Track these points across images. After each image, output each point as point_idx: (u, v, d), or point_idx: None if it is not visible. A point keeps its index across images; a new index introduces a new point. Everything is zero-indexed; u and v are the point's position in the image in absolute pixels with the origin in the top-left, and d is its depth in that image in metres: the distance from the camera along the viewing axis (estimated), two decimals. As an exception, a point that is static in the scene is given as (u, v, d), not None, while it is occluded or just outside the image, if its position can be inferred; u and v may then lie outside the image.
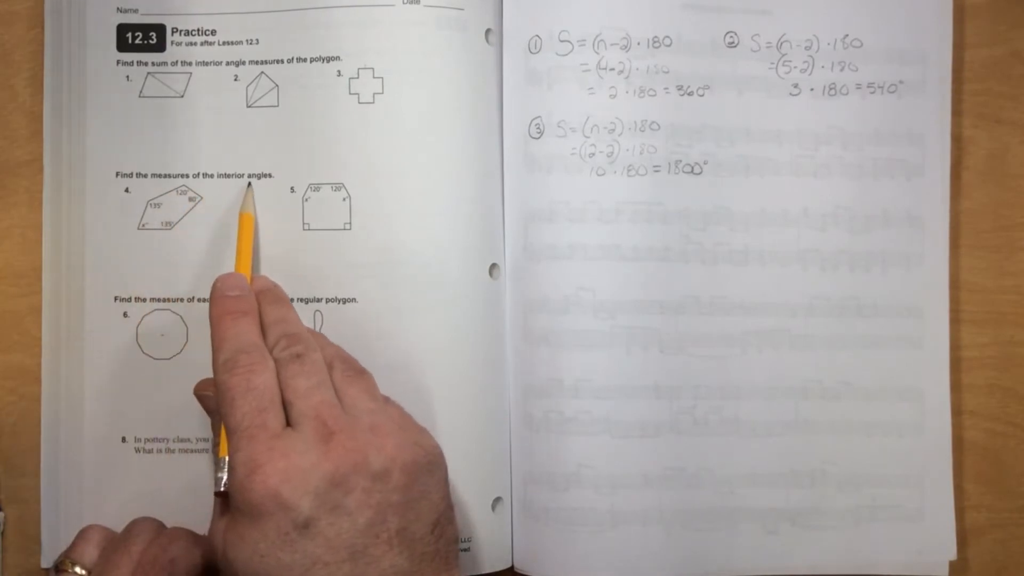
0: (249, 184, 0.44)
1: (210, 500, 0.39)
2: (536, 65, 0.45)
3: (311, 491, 0.35)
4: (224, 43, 0.45)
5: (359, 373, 0.40)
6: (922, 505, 0.45)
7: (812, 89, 0.46)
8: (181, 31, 0.45)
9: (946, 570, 0.45)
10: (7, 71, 0.46)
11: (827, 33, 0.46)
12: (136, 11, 0.45)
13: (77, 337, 0.44)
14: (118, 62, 0.45)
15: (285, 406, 0.37)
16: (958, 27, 0.46)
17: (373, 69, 0.44)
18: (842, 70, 0.46)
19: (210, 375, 0.39)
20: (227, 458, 0.37)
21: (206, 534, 0.39)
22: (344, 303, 0.44)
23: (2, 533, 0.46)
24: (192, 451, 0.44)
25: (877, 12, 0.45)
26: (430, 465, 0.38)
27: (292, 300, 0.44)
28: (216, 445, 0.39)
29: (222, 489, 0.37)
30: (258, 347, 0.39)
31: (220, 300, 0.40)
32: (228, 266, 0.44)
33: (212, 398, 0.40)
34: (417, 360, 0.44)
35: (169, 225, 0.44)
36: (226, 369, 0.38)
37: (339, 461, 0.35)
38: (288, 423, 0.37)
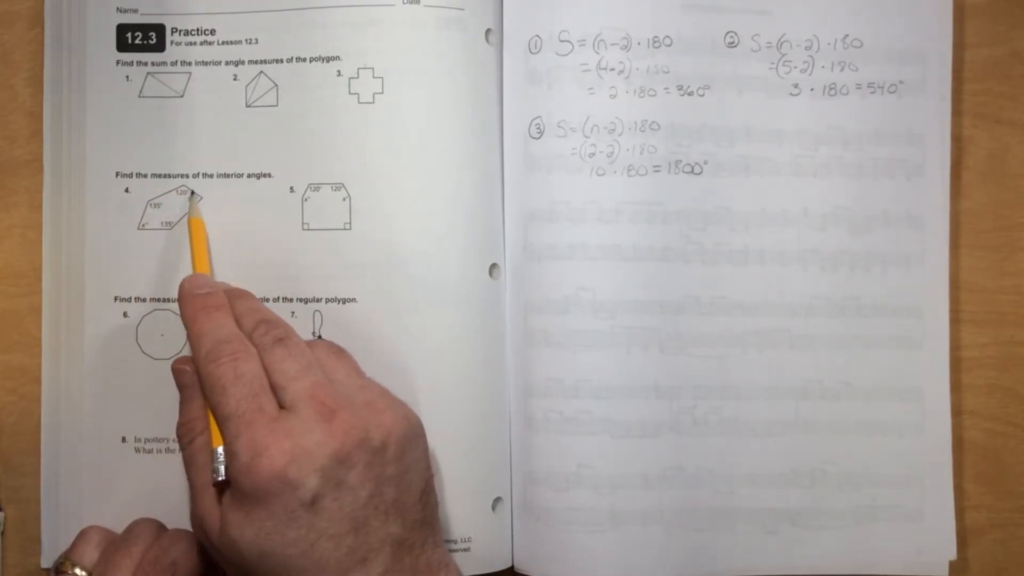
0: (192, 192, 0.44)
1: None
2: (536, 65, 0.45)
3: (317, 469, 0.36)
4: (223, 43, 0.45)
5: (341, 351, 0.41)
6: (922, 505, 0.45)
7: (812, 89, 0.45)
8: (181, 31, 0.45)
9: (946, 570, 0.45)
10: (7, 71, 0.46)
11: (827, 33, 0.46)
12: (136, 11, 0.45)
13: (77, 337, 0.44)
14: (118, 62, 0.45)
15: (275, 389, 0.38)
16: (958, 27, 0.46)
17: (373, 69, 0.44)
18: (842, 70, 0.46)
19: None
20: (220, 448, 0.37)
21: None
22: (344, 303, 0.44)
23: (2, 533, 0.46)
24: (192, 451, 0.44)
25: (877, 12, 0.45)
26: (416, 437, 0.39)
27: (292, 300, 0.44)
28: (183, 424, 0.40)
29: (222, 478, 0.37)
30: (238, 336, 0.39)
31: (191, 299, 0.41)
32: (230, 266, 0.44)
33: (189, 373, 0.40)
34: (417, 360, 0.44)
35: (169, 225, 0.44)
36: (210, 359, 0.38)
37: (343, 439, 0.36)
38: (281, 406, 0.37)
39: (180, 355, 0.44)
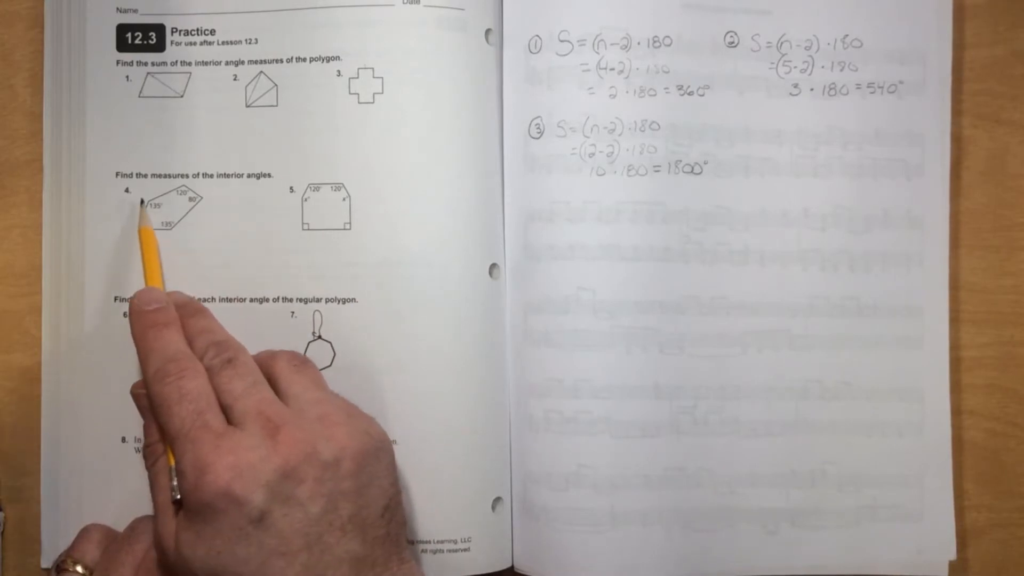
0: (142, 201, 0.44)
1: None
2: (536, 65, 0.45)
3: (263, 485, 0.35)
4: (223, 43, 0.45)
5: (304, 362, 0.41)
6: (922, 505, 0.45)
7: (812, 89, 0.45)
8: (180, 31, 0.45)
9: (946, 570, 0.45)
10: (7, 71, 0.46)
11: (827, 33, 0.45)
12: (136, 11, 0.45)
13: (77, 337, 0.44)
14: (118, 62, 0.45)
15: (224, 410, 0.38)
16: (958, 27, 0.46)
17: (373, 69, 0.44)
18: (842, 70, 0.46)
19: None
20: (174, 467, 0.37)
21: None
22: (344, 303, 0.44)
23: (2, 533, 0.46)
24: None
25: (877, 12, 0.45)
26: (378, 452, 0.39)
27: (292, 300, 0.44)
28: (146, 447, 0.40)
29: (178, 497, 0.37)
30: (186, 354, 0.39)
31: (140, 315, 0.41)
32: (229, 266, 0.44)
33: (145, 396, 0.40)
34: (417, 360, 0.44)
35: (169, 225, 0.44)
36: (157, 379, 0.38)
37: (288, 453, 0.36)
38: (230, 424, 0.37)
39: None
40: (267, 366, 0.40)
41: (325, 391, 0.40)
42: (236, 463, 0.35)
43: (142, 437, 0.44)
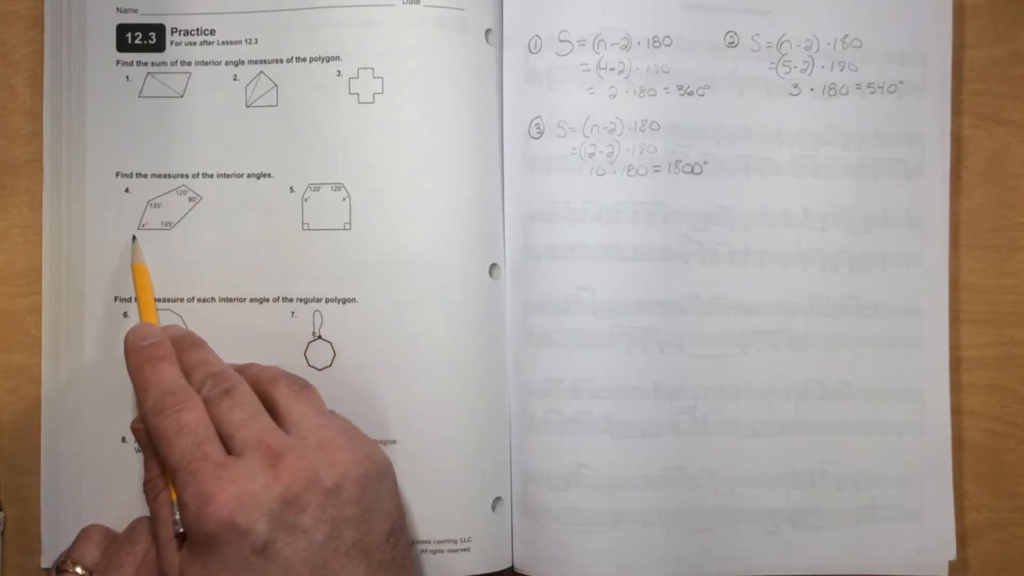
0: (134, 238, 0.44)
1: None
2: (536, 65, 0.45)
3: (265, 513, 0.35)
4: (223, 43, 0.45)
5: (304, 387, 0.41)
6: (922, 505, 0.45)
7: (812, 89, 0.45)
8: (180, 31, 0.45)
9: (945, 570, 0.45)
10: (7, 71, 0.46)
11: (827, 33, 0.46)
12: (136, 11, 0.45)
13: (77, 337, 0.44)
14: (118, 62, 0.45)
15: (224, 440, 0.38)
16: (958, 27, 0.46)
17: (373, 69, 0.44)
18: (842, 70, 0.46)
19: None
20: (176, 500, 0.37)
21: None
22: (344, 303, 0.44)
23: (2, 533, 0.46)
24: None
25: (877, 12, 0.45)
26: (380, 476, 0.38)
27: (292, 300, 0.44)
28: (147, 482, 0.40)
29: (181, 530, 0.37)
30: (183, 387, 0.39)
31: (135, 351, 0.40)
32: (229, 266, 0.44)
33: (145, 431, 0.40)
34: (417, 360, 0.44)
35: (169, 225, 0.44)
36: (155, 413, 0.38)
37: (290, 481, 0.36)
38: (230, 455, 0.37)
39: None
40: (267, 391, 0.40)
41: (325, 416, 0.40)
42: (238, 493, 0.35)
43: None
